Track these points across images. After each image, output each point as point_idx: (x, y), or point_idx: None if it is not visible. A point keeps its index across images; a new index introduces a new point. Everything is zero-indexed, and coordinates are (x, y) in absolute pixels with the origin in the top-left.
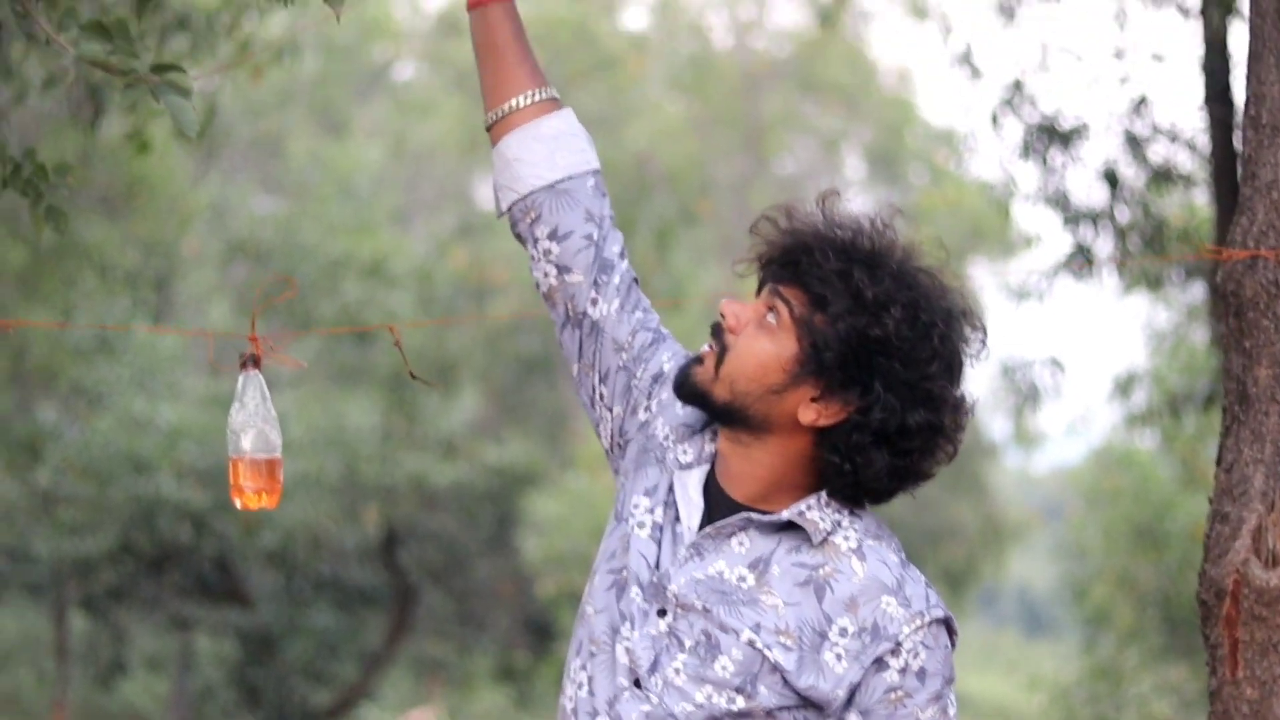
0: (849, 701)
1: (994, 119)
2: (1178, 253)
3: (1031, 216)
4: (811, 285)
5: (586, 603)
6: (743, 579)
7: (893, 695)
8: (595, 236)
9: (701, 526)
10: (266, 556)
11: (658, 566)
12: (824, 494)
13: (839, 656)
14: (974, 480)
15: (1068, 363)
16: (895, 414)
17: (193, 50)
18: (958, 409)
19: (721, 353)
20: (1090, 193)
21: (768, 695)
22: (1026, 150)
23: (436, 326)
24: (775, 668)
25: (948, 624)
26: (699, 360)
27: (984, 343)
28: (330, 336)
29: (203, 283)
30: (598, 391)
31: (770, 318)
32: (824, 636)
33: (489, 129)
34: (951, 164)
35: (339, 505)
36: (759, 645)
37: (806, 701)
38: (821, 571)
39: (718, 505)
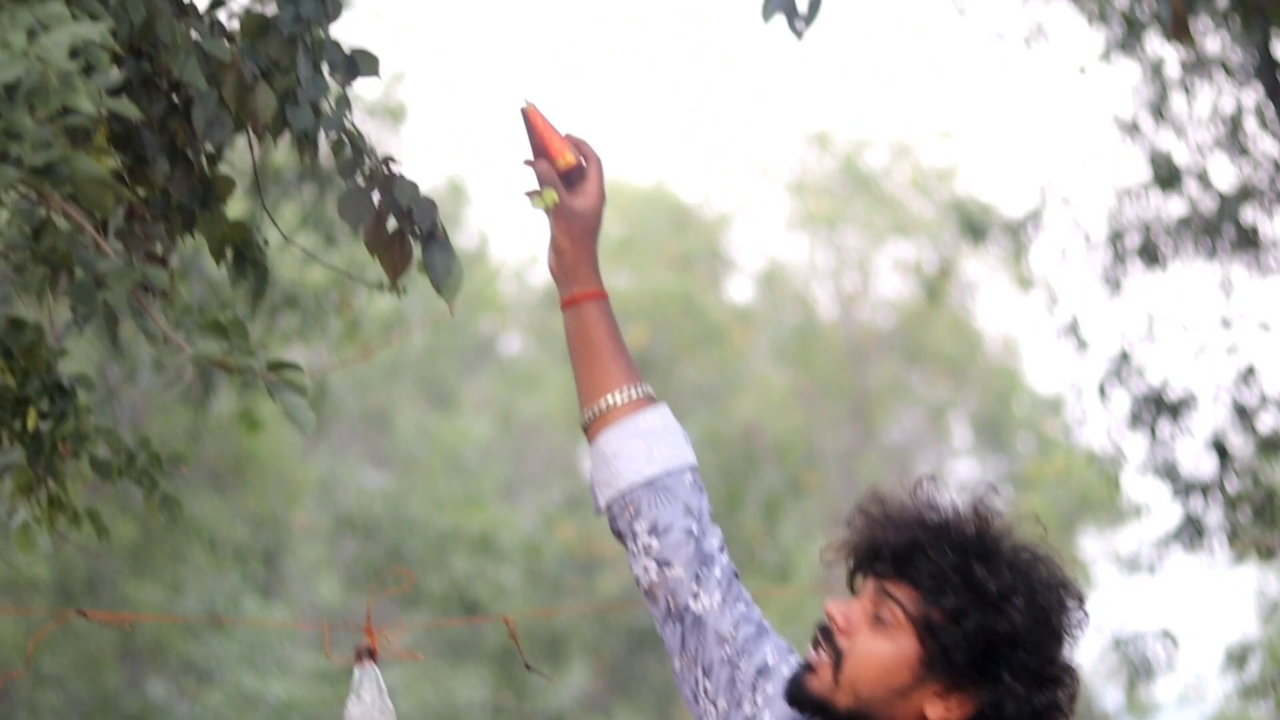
0: None
1: (1101, 390)
2: None
3: (1141, 486)
4: (923, 581)
5: None
6: None
7: None
8: (695, 530)
9: None
10: None
11: None
12: None
13: None
14: None
15: (1179, 633)
16: (1024, 701)
17: (302, 328)
18: (1074, 682)
19: (838, 658)
20: (1199, 463)
21: None
22: (1135, 421)
23: (545, 600)
24: None
25: None
26: (810, 668)
27: (1086, 612)
28: (440, 610)
29: (312, 557)
30: (701, 685)
31: (883, 614)
32: None
33: (585, 427)
34: (1059, 434)
35: None
36: None
37: None
38: None
39: None
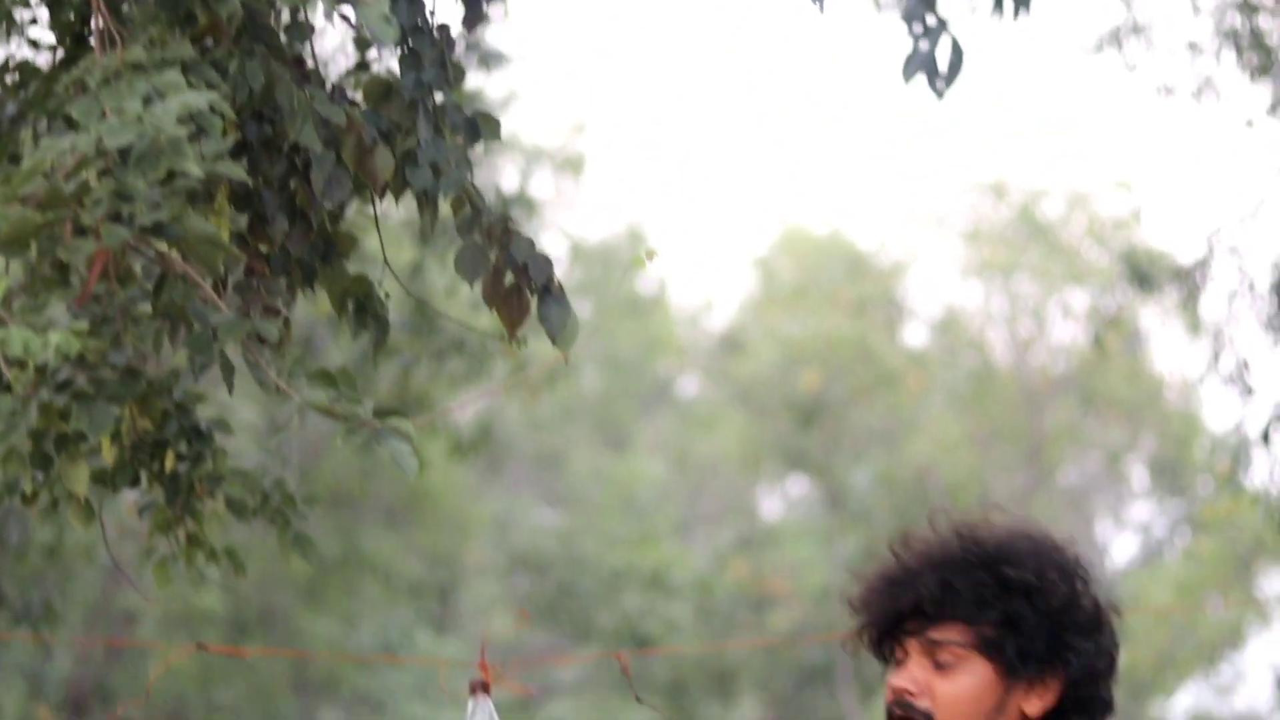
0: None
1: (1265, 435)
2: None
3: None
4: (960, 612)
5: None
6: None
7: None
8: None
9: None
10: None
11: None
12: None
13: None
14: None
15: None
16: (1095, 655)
17: (468, 372)
18: (1117, 616)
19: (929, 717)
20: None
21: None
22: None
23: (715, 636)
24: None
25: None
26: None
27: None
28: (610, 644)
29: (485, 593)
30: None
31: (943, 660)
32: None
33: None
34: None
35: None
36: None
37: None
38: None
39: None
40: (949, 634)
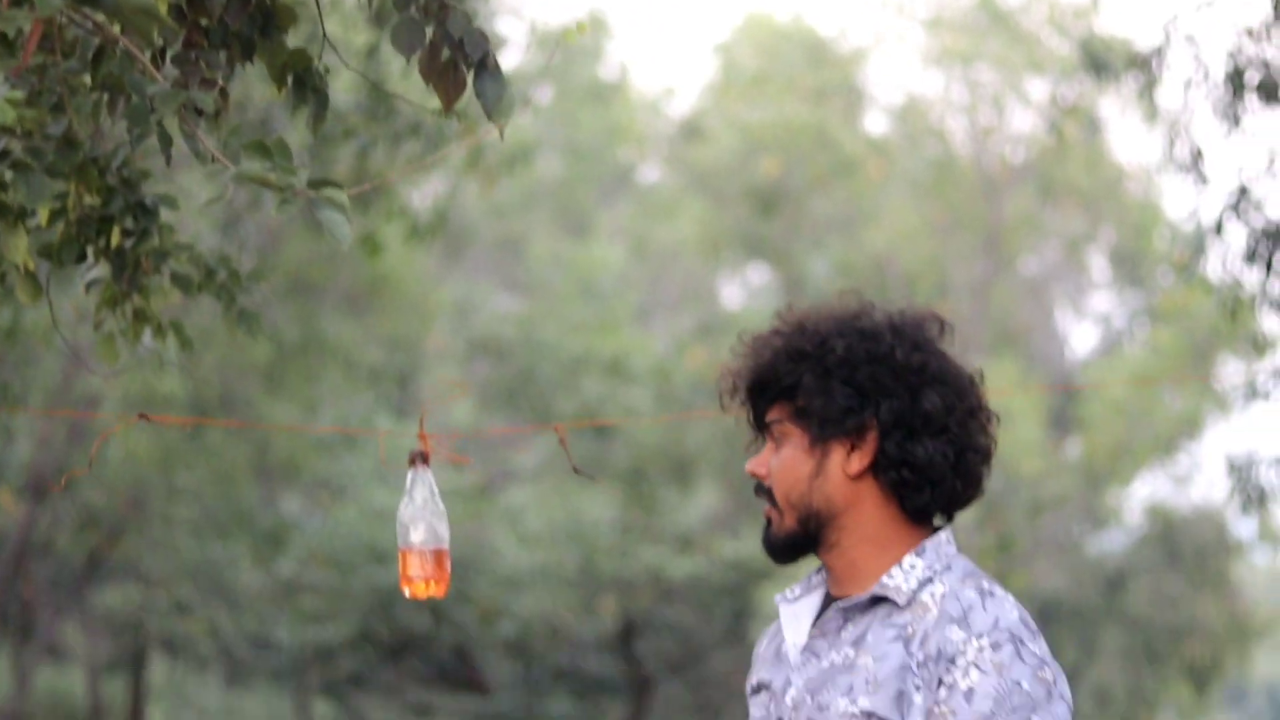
0: None
1: (1219, 225)
2: None
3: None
4: (779, 389)
5: None
6: (846, 656)
7: (935, 710)
8: None
9: None
10: (504, 646)
11: (771, 692)
12: (912, 555)
13: (917, 687)
14: (1218, 577)
15: None
16: (906, 402)
17: (425, 155)
18: (963, 380)
19: (771, 497)
20: None
21: None
22: (1252, 256)
23: (674, 423)
24: (866, 717)
25: (1027, 660)
26: (767, 524)
27: (941, 324)
28: (569, 431)
29: (445, 379)
30: None
31: (776, 436)
32: (909, 670)
33: None
34: (1184, 266)
35: (577, 597)
36: (846, 710)
37: None
38: (909, 629)
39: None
40: (773, 413)
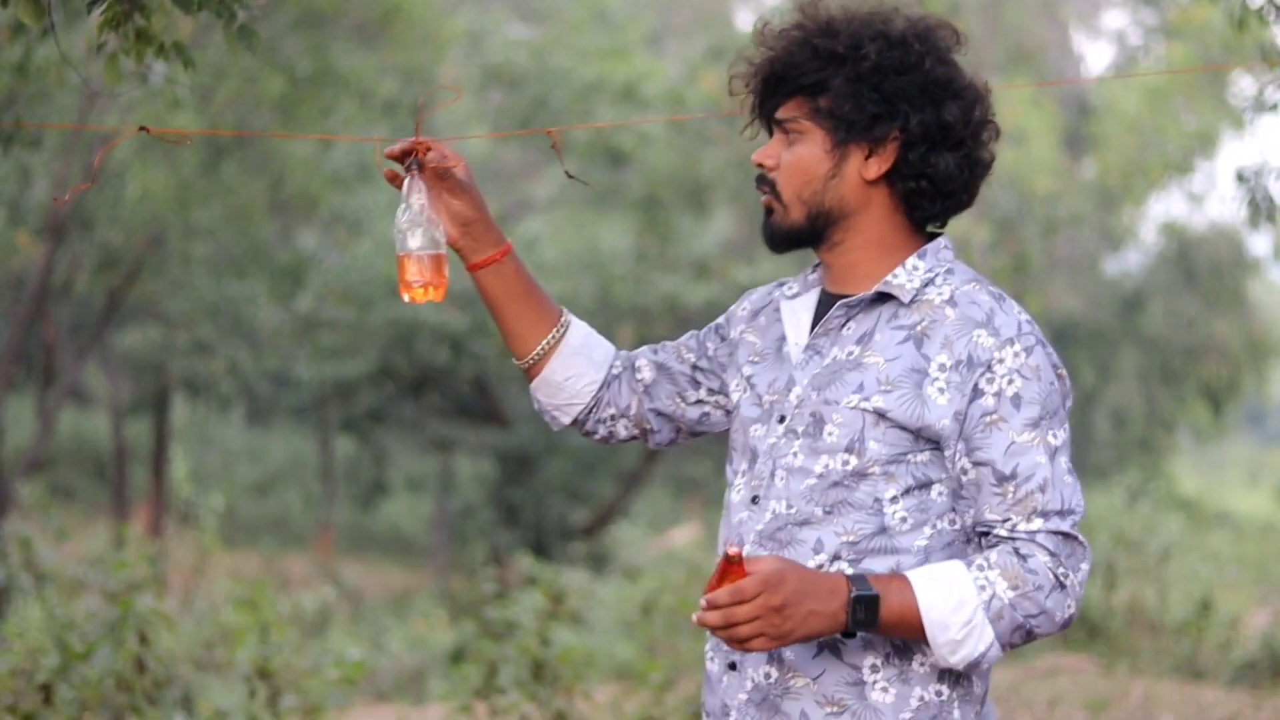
0: (959, 434)
1: None
2: None
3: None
4: (800, 85)
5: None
6: (850, 353)
7: (988, 419)
8: (649, 379)
9: None
10: (523, 378)
11: (770, 389)
12: (915, 258)
13: (941, 390)
14: (1234, 296)
15: None
16: (931, 115)
17: None
18: (976, 93)
19: (774, 189)
20: None
21: (878, 448)
22: None
23: (689, 149)
24: (879, 416)
25: (1050, 359)
26: (769, 211)
27: (956, 35)
28: (586, 160)
29: (460, 109)
30: (718, 410)
31: (789, 132)
32: (924, 373)
33: (525, 369)
34: None
35: (594, 326)
36: (858, 405)
37: (920, 440)
38: (919, 327)
39: (828, 310)
40: (789, 110)
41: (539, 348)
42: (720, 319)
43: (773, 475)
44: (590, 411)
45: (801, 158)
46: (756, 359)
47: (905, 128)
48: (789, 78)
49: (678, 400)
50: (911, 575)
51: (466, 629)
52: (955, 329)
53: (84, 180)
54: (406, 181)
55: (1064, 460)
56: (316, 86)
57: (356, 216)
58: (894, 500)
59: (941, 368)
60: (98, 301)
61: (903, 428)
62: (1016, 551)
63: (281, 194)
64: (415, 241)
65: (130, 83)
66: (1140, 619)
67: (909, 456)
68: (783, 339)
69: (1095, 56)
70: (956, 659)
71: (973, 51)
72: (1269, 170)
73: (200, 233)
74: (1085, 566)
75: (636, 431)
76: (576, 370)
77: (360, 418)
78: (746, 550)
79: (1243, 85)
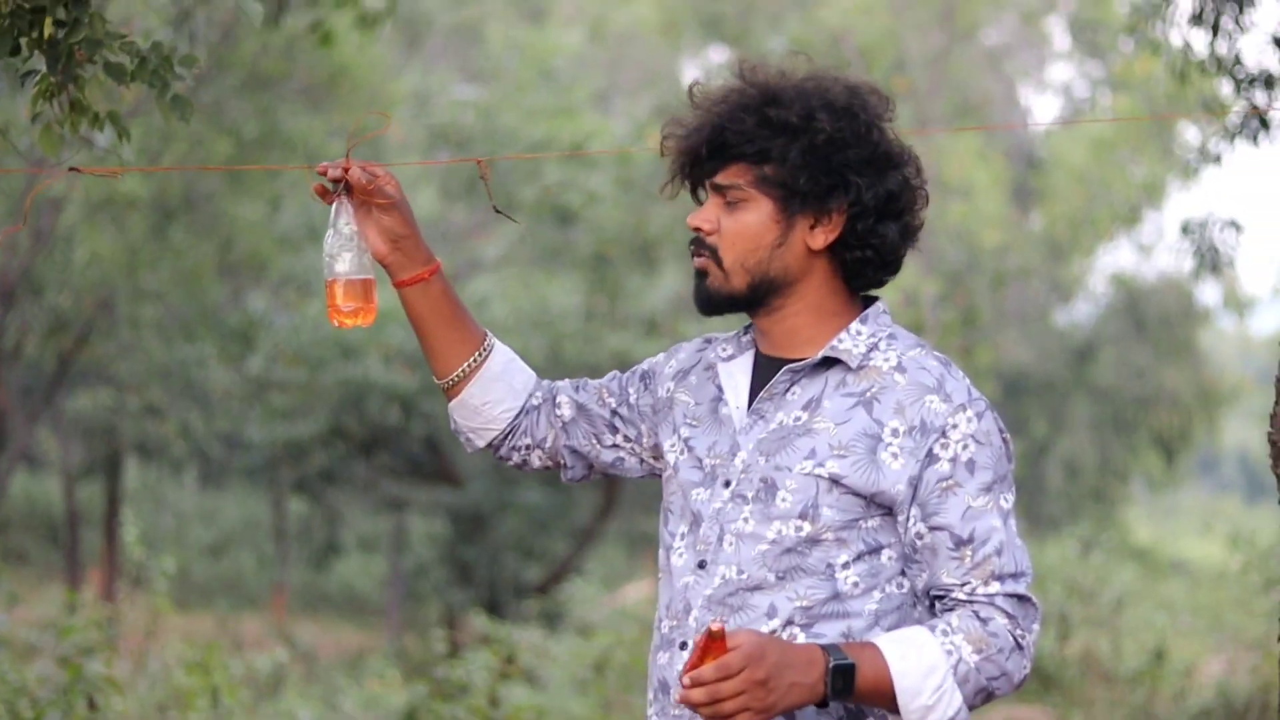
0: (913, 499)
1: None
2: None
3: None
4: (745, 153)
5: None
6: (798, 419)
7: (944, 484)
8: (568, 417)
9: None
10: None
11: (710, 453)
12: (857, 323)
13: (895, 455)
14: (1185, 346)
15: (1251, 224)
16: (879, 186)
17: None
18: (911, 160)
19: (715, 253)
20: (1263, 57)
21: (831, 514)
22: (1199, 18)
23: (636, 207)
24: (833, 482)
25: (998, 424)
26: (703, 275)
27: (887, 101)
28: (533, 220)
29: (407, 170)
30: (644, 458)
31: (730, 198)
32: (878, 439)
33: (445, 389)
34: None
35: None
36: (812, 471)
37: (872, 506)
38: (869, 393)
39: (765, 374)
40: (732, 176)
41: (460, 369)
42: (644, 366)
43: (721, 540)
44: (506, 438)
45: (747, 225)
46: (694, 422)
47: (854, 198)
48: (733, 144)
49: (594, 441)
50: (881, 643)
51: (419, 689)
52: (906, 395)
53: (36, 255)
54: (335, 205)
55: (1013, 524)
56: (264, 149)
57: (306, 278)
58: (846, 565)
59: (894, 433)
60: (48, 365)
61: (856, 493)
62: (977, 615)
63: (230, 256)
64: (343, 266)
65: (73, 149)
66: (1094, 669)
67: (861, 522)
68: (717, 400)
69: (1042, 109)
70: None
71: (919, 105)
72: (1214, 221)
73: (149, 296)
74: (1037, 626)
75: (550, 464)
76: (495, 396)
77: (312, 478)
78: (694, 616)
79: (1188, 136)
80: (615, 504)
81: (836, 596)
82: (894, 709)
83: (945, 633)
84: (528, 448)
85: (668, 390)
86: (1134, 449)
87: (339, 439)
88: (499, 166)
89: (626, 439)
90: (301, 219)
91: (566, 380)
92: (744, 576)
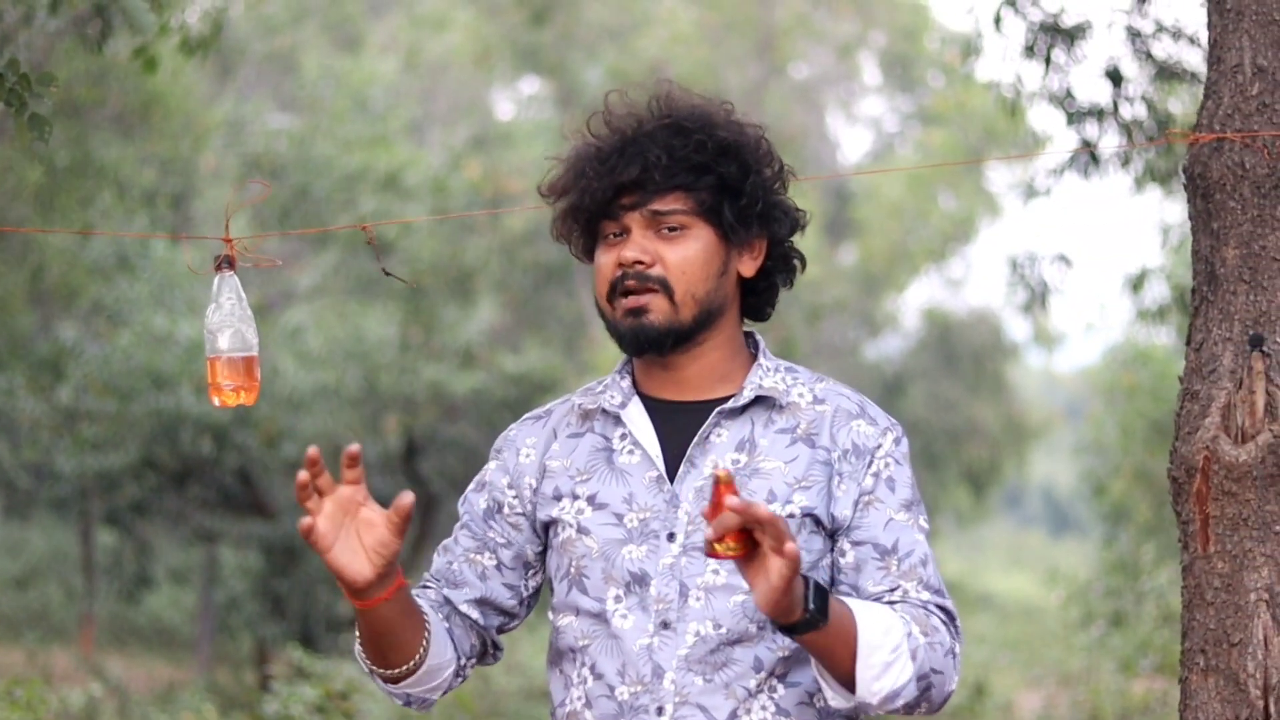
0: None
1: (997, 20)
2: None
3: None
4: (680, 179)
5: (555, 620)
6: (736, 461)
7: (865, 499)
8: (478, 617)
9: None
10: (288, 468)
11: (630, 505)
12: (762, 358)
13: (839, 480)
14: (995, 380)
15: (1086, 262)
16: (790, 220)
17: None
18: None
19: (665, 285)
20: (1095, 91)
21: (804, 556)
22: (1031, 51)
23: (452, 238)
24: (804, 517)
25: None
26: (640, 312)
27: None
28: (348, 250)
29: (220, 200)
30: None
31: (669, 226)
32: (830, 465)
33: (387, 677)
34: (960, 66)
35: (359, 416)
36: (780, 512)
37: (829, 540)
38: (800, 429)
39: (668, 419)
40: (672, 203)
41: (420, 648)
42: (481, 504)
43: (685, 596)
44: (457, 675)
45: (695, 253)
46: (584, 476)
47: (775, 232)
48: (672, 171)
49: (513, 604)
50: (838, 598)
51: None
52: (836, 423)
53: None
54: (216, 280)
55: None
56: (76, 176)
57: (117, 307)
58: None
59: (839, 458)
60: None
61: (820, 524)
62: (923, 606)
63: (41, 284)
64: (225, 342)
65: None
66: None
67: (822, 561)
68: (607, 451)
69: (852, 143)
70: (879, 686)
71: None
72: (1040, 256)
73: None
74: (960, 649)
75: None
76: (440, 652)
77: (123, 510)
78: (670, 679)
79: (1003, 171)
80: (429, 536)
81: None
82: (848, 667)
83: (895, 608)
84: (468, 663)
85: (534, 477)
86: (943, 483)
87: (150, 470)
88: (313, 195)
89: (530, 569)
90: (113, 248)
91: (437, 589)
92: (723, 631)
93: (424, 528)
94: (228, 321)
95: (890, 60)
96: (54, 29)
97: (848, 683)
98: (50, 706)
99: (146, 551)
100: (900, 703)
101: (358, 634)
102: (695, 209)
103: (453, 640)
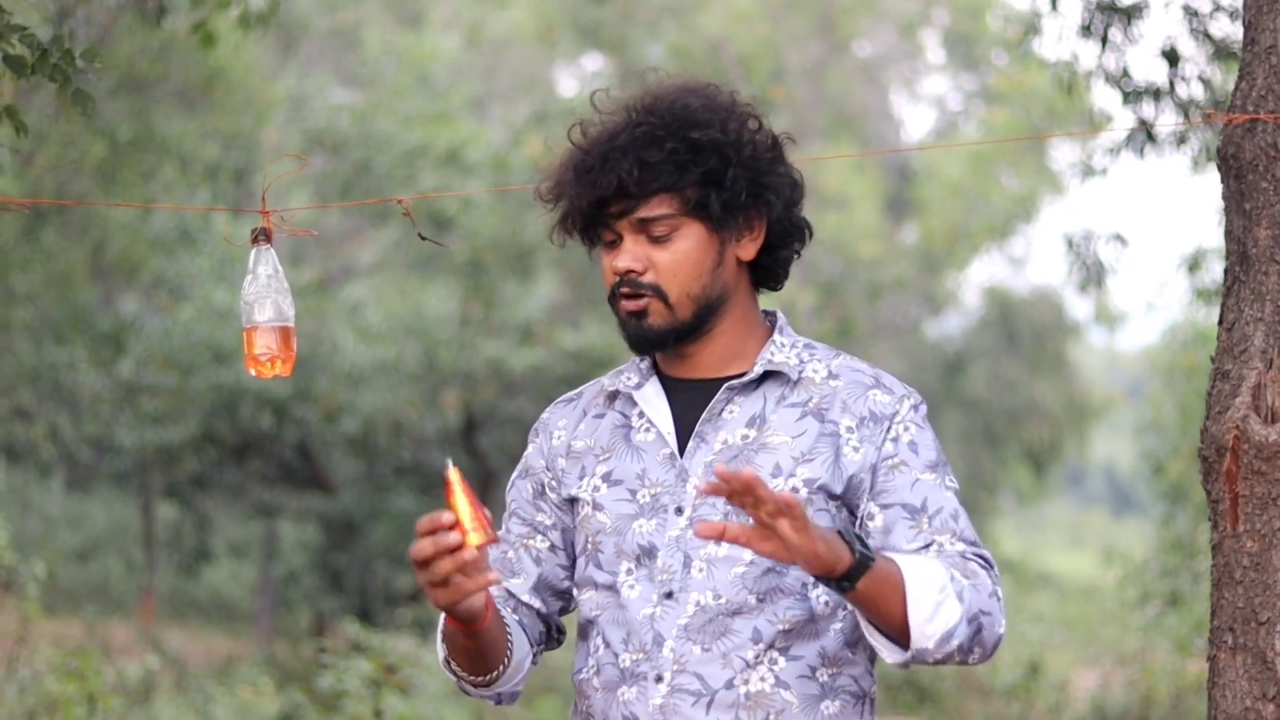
0: (872, 485)
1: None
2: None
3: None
4: (661, 183)
5: (578, 595)
6: (746, 436)
7: (890, 463)
8: (540, 605)
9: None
10: (347, 443)
11: (642, 481)
12: (777, 334)
13: (855, 448)
14: (1056, 360)
15: (1146, 241)
16: (789, 192)
17: None
18: (780, 142)
19: (658, 290)
20: (1152, 70)
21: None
22: (1088, 30)
23: (512, 214)
24: (809, 490)
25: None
26: (639, 315)
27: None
28: (408, 225)
29: (283, 174)
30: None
31: (656, 232)
32: (837, 437)
33: (483, 683)
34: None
35: (418, 392)
36: (784, 486)
37: (842, 510)
38: (812, 403)
39: (683, 397)
40: (656, 208)
41: (506, 654)
42: (526, 487)
43: (688, 567)
44: (532, 664)
45: (686, 254)
46: (605, 454)
47: (772, 208)
48: (654, 176)
49: (567, 584)
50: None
51: (293, 697)
52: (849, 394)
53: None
54: (254, 252)
55: (963, 506)
56: (138, 151)
57: (178, 281)
58: (816, 584)
59: (849, 429)
60: None
61: (830, 496)
62: (961, 555)
63: (102, 259)
64: (263, 313)
65: None
66: (970, 682)
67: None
68: (625, 428)
69: (916, 121)
70: (932, 629)
71: (796, 117)
72: (1097, 235)
73: (20, 298)
74: (1003, 593)
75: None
76: (524, 651)
77: (183, 483)
78: (669, 647)
79: (1065, 150)
80: (487, 508)
81: (812, 618)
82: (900, 615)
83: (933, 556)
84: (543, 643)
85: (565, 460)
86: (1003, 462)
87: (210, 444)
88: (374, 171)
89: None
90: (174, 222)
91: (500, 582)
92: (722, 601)
93: (483, 499)
94: (265, 293)
95: (953, 39)
96: (114, 3)
97: (900, 637)
98: (105, 679)
99: (206, 525)
100: (955, 644)
101: (445, 647)
102: (681, 208)
103: (525, 631)
